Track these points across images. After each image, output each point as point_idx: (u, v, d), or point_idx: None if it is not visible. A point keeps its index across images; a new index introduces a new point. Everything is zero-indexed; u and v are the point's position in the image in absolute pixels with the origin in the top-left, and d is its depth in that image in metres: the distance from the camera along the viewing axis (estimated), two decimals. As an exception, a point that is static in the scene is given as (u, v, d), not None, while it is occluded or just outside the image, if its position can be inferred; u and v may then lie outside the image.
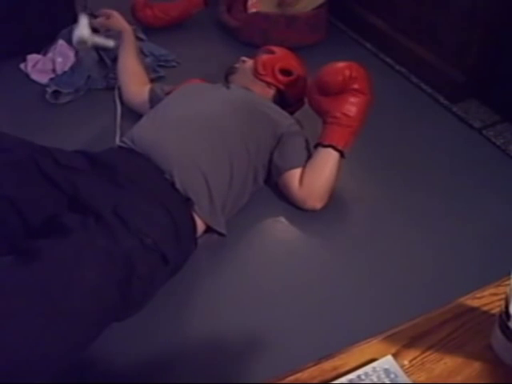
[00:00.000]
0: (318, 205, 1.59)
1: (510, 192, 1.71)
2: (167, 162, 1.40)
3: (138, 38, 2.34)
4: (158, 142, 1.45)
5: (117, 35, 2.00)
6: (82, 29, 1.93)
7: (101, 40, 2.00)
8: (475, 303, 0.76)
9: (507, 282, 0.71)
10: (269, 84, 1.78)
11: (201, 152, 1.45)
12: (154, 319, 1.33)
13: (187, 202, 1.38)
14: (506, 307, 0.66)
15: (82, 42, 1.93)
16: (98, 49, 2.12)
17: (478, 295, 0.77)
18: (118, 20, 1.98)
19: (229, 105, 1.60)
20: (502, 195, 1.71)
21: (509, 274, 0.70)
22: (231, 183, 1.48)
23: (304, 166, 1.60)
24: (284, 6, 2.39)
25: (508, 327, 0.66)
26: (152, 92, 1.86)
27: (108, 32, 2.03)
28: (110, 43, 2.01)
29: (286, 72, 1.79)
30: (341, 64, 1.55)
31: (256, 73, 1.78)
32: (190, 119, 1.53)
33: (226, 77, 1.86)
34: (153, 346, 1.27)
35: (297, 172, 1.59)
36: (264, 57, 1.81)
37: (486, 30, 1.93)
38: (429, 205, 1.67)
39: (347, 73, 1.52)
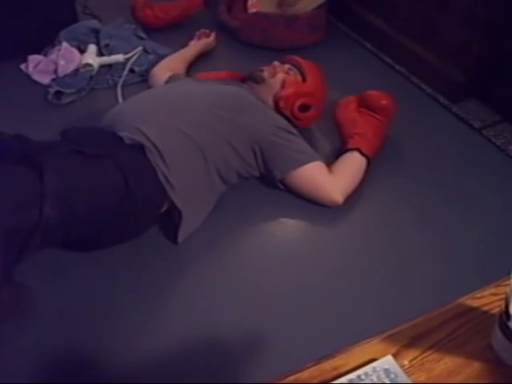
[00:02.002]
0: (341, 199, 1.60)
1: (509, 192, 1.71)
2: (119, 124, 1.49)
3: (139, 37, 2.36)
4: (119, 112, 1.56)
5: (125, 50, 2.18)
6: (89, 56, 2.11)
7: (108, 59, 2.16)
8: (475, 303, 0.76)
9: (507, 282, 0.71)
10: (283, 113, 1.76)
11: (152, 122, 1.48)
12: (153, 319, 1.34)
13: (137, 146, 1.42)
14: (506, 307, 0.66)
15: (88, 65, 2.08)
16: (101, 50, 2.19)
17: (478, 295, 0.77)
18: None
19: (215, 94, 1.62)
20: (502, 195, 1.71)
21: (509, 274, 0.70)
22: (191, 166, 1.48)
23: (326, 162, 1.65)
24: (284, 6, 2.39)
25: (508, 327, 0.66)
26: (171, 77, 1.90)
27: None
28: (120, 58, 2.16)
29: (305, 107, 1.78)
30: (387, 93, 1.77)
31: (276, 104, 1.76)
32: (161, 97, 1.60)
33: (248, 79, 1.80)
34: (152, 347, 1.27)
35: (322, 164, 1.62)
36: (290, 91, 1.75)
37: (486, 29, 1.93)
38: (428, 204, 1.67)
39: (387, 101, 1.74)
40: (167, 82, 1.89)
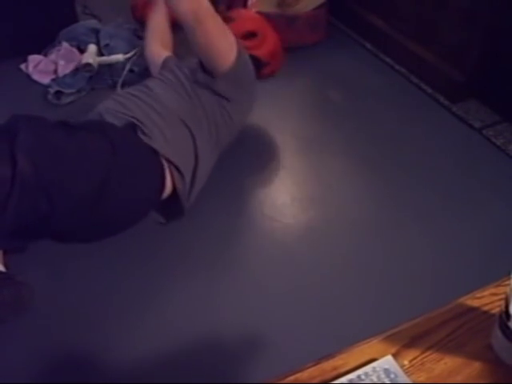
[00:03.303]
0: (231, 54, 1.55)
1: (509, 192, 1.71)
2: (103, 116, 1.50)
3: (139, 37, 2.36)
4: (101, 107, 1.57)
5: (125, 50, 2.17)
6: (89, 56, 2.11)
7: (108, 59, 2.16)
8: (475, 303, 0.76)
9: (507, 282, 0.71)
10: None
11: (132, 107, 1.51)
12: (153, 320, 1.34)
13: (130, 125, 1.43)
14: (506, 307, 0.66)
15: (88, 65, 2.08)
16: (101, 50, 2.19)
17: (478, 295, 0.77)
18: None
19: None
20: (502, 195, 1.71)
21: (509, 274, 0.70)
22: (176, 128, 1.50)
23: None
24: (284, 6, 2.39)
25: (508, 327, 0.66)
26: (167, 61, 1.88)
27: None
28: (119, 57, 2.16)
29: (251, 35, 1.77)
30: None
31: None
32: (138, 90, 1.62)
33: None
34: (152, 346, 1.27)
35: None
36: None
37: (486, 29, 1.93)
38: (429, 205, 1.67)
39: None
40: (163, 64, 1.86)
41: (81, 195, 1.27)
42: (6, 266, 1.35)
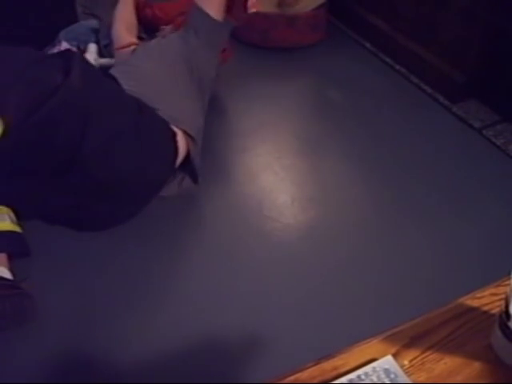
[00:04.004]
0: None
1: (509, 192, 1.72)
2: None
3: (139, 37, 2.36)
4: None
5: None
6: (90, 56, 2.12)
7: (107, 61, 2.16)
8: (475, 303, 0.76)
9: (507, 282, 0.71)
10: None
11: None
12: (153, 319, 1.34)
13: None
14: (506, 307, 0.66)
15: None
16: (101, 50, 2.20)
17: (478, 295, 0.77)
18: None
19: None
20: (502, 195, 1.71)
21: (509, 274, 0.70)
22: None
23: None
24: (284, 6, 2.39)
25: (508, 327, 0.66)
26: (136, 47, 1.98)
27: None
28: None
29: (182, 13, 1.95)
30: None
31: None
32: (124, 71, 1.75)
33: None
34: (152, 346, 1.27)
35: None
36: (179, 20, 1.97)
37: (486, 29, 1.93)
38: (428, 205, 1.67)
39: None
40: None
41: (112, 132, 1.30)
42: (11, 271, 1.34)
